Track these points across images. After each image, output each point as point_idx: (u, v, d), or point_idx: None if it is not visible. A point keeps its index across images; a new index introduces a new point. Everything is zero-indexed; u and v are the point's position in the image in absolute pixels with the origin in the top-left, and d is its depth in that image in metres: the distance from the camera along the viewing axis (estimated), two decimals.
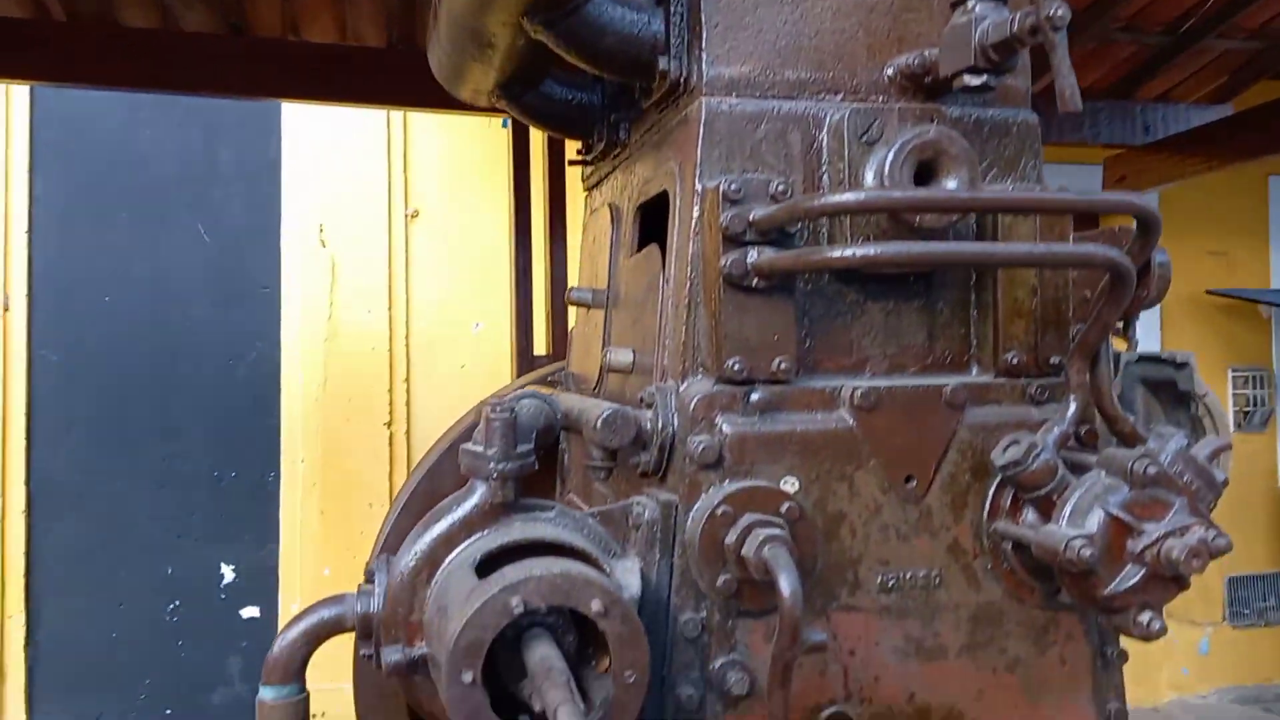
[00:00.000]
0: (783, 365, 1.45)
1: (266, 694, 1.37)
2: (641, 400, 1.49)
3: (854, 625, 1.46)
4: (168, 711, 4.80)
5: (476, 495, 1.36)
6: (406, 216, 4.88)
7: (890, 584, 1.47)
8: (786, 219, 1.44)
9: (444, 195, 4.95)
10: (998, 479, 1.49)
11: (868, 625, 1.46)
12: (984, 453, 1.50)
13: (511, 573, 1.21)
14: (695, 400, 1.43)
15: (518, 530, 1.35)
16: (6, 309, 4.40)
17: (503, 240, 4.84)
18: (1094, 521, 1.36)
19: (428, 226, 4.93)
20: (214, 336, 4.75)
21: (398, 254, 4.88)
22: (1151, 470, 1.35)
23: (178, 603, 4.78)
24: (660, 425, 1.44)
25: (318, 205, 4.79)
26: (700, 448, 1.40)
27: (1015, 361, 1.55)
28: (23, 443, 4.53)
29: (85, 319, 4.59)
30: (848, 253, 1.37)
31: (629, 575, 1.36)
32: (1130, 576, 1.35)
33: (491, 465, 1.33)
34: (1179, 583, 1.35)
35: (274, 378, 4.79)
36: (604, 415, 1.42)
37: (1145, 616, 1.36)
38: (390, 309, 4.86)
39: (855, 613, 1.46)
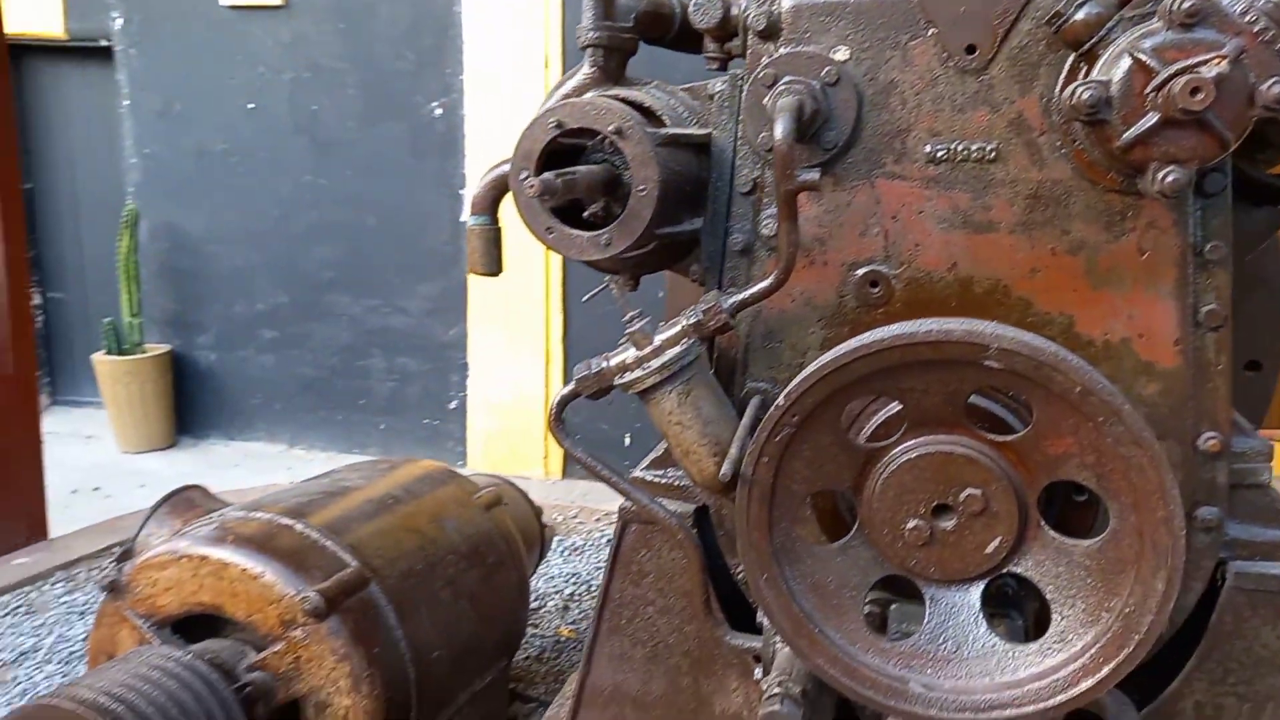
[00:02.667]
0: None
1: (471, 221, 1.91)
2: None
3: (898, 192, 1.52)
4: None
5: (585, 66, 1.69)
6: None
7: (940, 155, 1.49)
8: None
9: None
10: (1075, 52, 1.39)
11: (912, 193, 1.51)
12: None
13: (555, 102, 1.56)
14: None
15: (611, 91, 1.66)
16: None
17: None
18: (1120, 68, 1.26)
19: None
20: None
21: None
22: (1188, 5, 1.19)
23: None
24: (744, 7, 1.61)
25: None
26: (754, 18, 1.55)
27: None
28: None
29: None
30: None
31: (683, 125, 1.60)
32: (1145, 123, 1.23)
33: (583, 36, 1.64)
34: (1202, 128, 1.20)
35: None
36: None
37: (1163, 171, 1.23)
38: None
39: (900, 181, 1.52)
